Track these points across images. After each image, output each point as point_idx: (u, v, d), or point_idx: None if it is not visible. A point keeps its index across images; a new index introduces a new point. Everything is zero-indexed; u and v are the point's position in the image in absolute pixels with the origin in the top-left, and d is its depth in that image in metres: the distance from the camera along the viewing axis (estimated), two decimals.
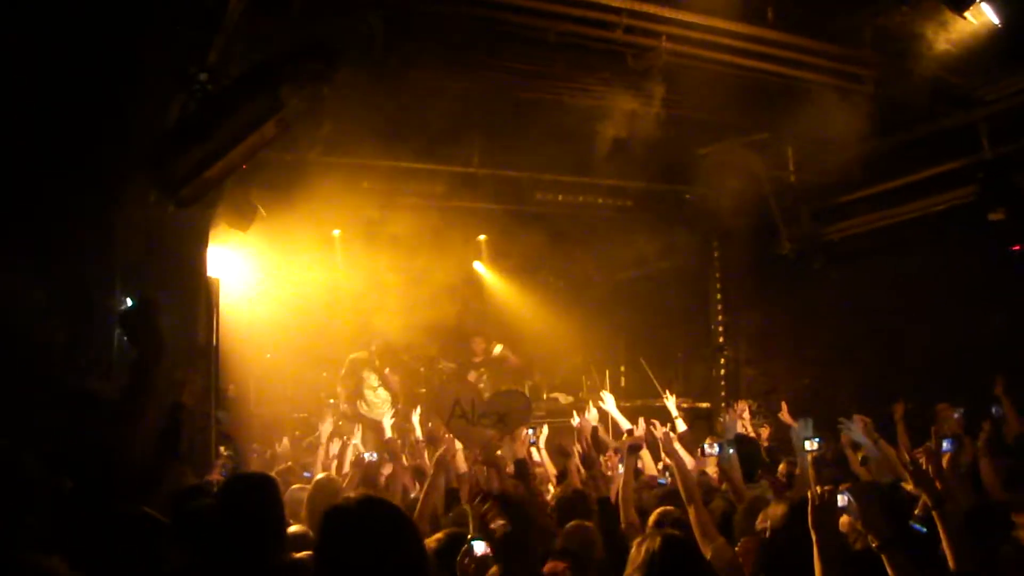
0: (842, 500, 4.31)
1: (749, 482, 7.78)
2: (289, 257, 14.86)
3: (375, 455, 8.64)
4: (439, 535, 5.40)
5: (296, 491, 7.66)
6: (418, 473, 8.34)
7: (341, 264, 15.78)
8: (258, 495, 4.28)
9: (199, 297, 10.73)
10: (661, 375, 14.66)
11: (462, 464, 8.36)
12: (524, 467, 7.40)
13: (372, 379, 14.19)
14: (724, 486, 7.47)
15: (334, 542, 3.01)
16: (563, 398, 15.74)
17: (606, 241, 14.43)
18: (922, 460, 5.10)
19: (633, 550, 3.99)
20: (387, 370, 14.45)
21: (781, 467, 9.32)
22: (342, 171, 12.44)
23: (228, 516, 4.22)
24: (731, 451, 7.23)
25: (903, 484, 6.42)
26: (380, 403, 14.14)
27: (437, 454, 7.34)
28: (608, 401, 10.84)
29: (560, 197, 13.82)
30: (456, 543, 4.98)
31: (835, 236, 12.70)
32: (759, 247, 13.32)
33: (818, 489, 4.28)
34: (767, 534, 5.00)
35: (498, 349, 15.04)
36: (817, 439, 7.26)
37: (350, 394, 14.36)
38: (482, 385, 14.51)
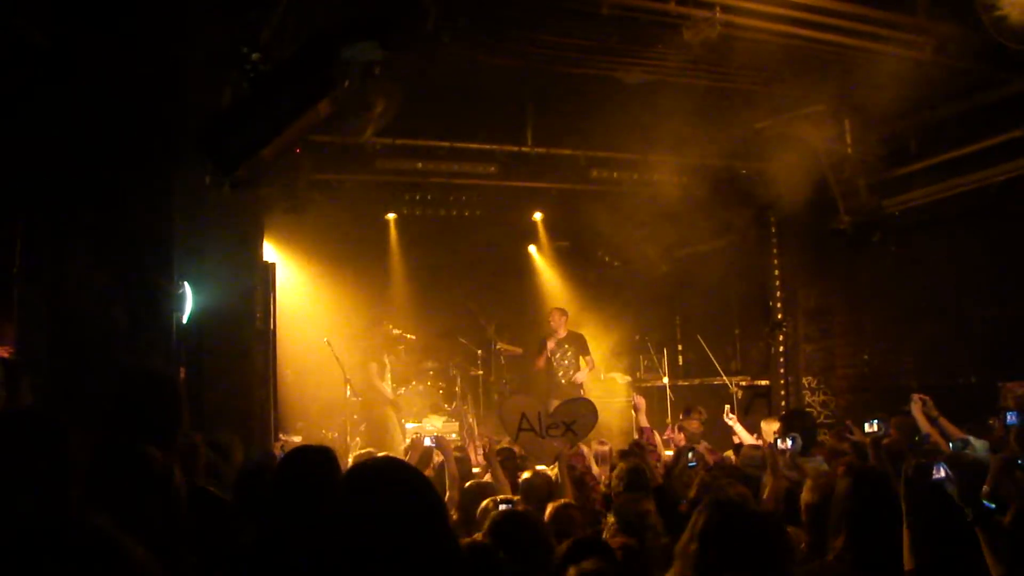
0: (938, 473, 4.21)
1: (804, 455, 7.74)
2: (344, 241, 14.91)
3: (433, 439, 8.62)
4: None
5: None
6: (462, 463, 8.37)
7: (396, 247, 15.83)
8: (317, 465, 4.28)
9: (255, 281, 10.78)
10: (719, 353, 14.55)
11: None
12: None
13: (388, 371, 14.24)
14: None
15: (353, 494, 2.99)
16: (620, 378, 15.67)
17: (662, 219, 14.30)
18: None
19: (693, 518, 3.93)
20: (385, 356, 14.38)
21: (826, 438, 9.24)
22: (396, 153, 12.44)
23: (287, 488, 4.21)
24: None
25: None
26: (389, 390, 14.18)
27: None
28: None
29: (615, 175, 13.71)
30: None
31: (894, 209, 12.46)
32: (817, 222, 13.11)
33: (912, 462, 4.20)
34: (834, 506, 4.92)
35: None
36: (876, 420, 7.15)
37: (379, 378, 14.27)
38: (566, 361, 14.41)
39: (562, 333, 14.51)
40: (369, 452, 7.99)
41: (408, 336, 14.68)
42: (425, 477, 3.18)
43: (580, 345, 14.52)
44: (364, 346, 14.47)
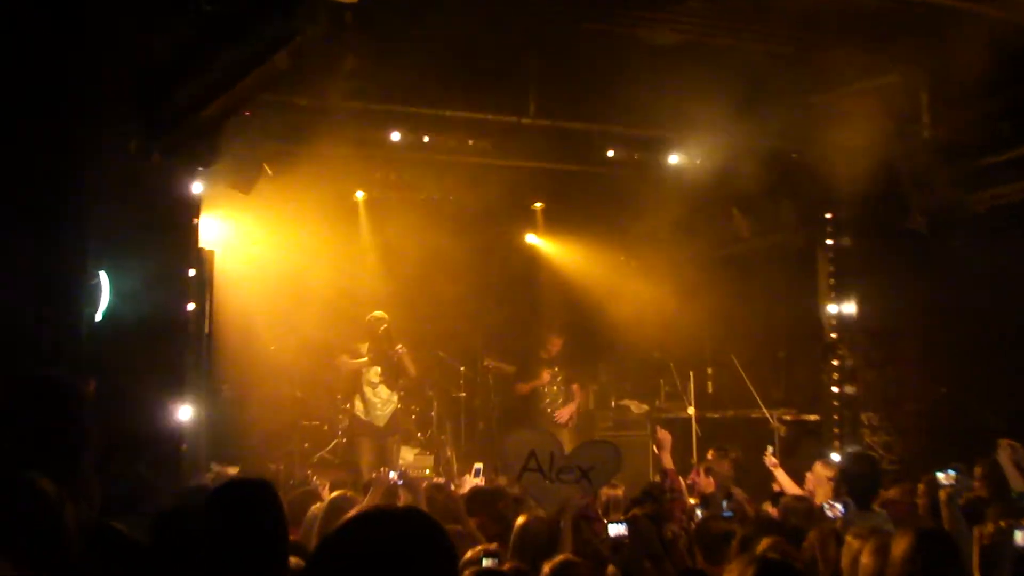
0: (1021, 538, 4.16)
1: (863, 510, 7.68)
2: (301, 226, 14.81)
3: (398, 474, 8.57)
4: None
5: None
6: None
7: (365, 236, 15.74)
8: (252, 503, 4.26)
9: (189, 273, 10.71)
10: (758, 379, 14.49)
11: None
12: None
13: (371, 373, 13.88)
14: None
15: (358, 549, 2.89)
16: (635, 407, 15.65)
17: (692, 211, 14.26)
18: None
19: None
20: (400, 347, 13.88)
21: (893, 492, 9.21)
22: (368, 120, 12.38)
23: (216, 529, 4.19)
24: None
25: None
26: (380, 404, 13.88)
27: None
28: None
29: (636, 155, 13.68)
30: None
31: (979, 207, 12.42)
32: (884, 220, 13.06)
33: (989, 526, 4.15)
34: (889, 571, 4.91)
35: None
36: (952, 470, 7.11)
37: (347, 391, 14.16)
38: (555, 388, 14.36)
39: (553, 356, 14.71)
40: (343, 495, 7.95)
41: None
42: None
43: (571, 373, 14.71)
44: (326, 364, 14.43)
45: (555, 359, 14.62)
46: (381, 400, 13.77)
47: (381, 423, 13.70)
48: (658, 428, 10.07)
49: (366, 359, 13.83)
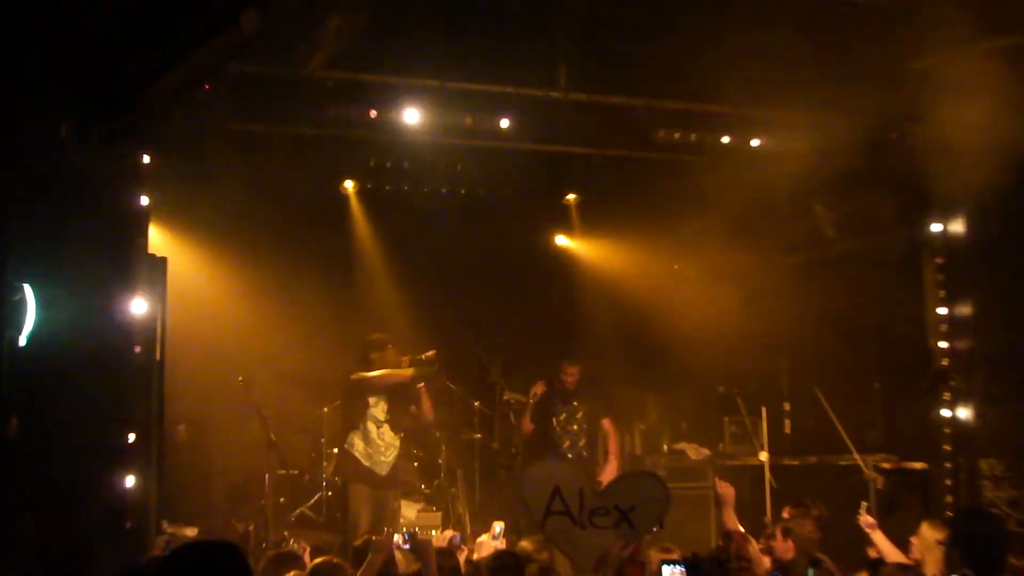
0: None
1: None
2: (276, 226, 14.83)
3: (405, 537, 8.57)
4: None
5: None
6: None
7: (355, 237, 15.76)
8: (216, 570, 4.30)
9: (135, 285, 10.74)
10: (849, 418, 14.43)
11: None
12: None
13: (378, 408, 13.64)
14: None
15: None
16: (693, 452, 15.61)
17: (762, 206, 14.24)
18: None
19: None
20: (422, 385, 13.71)
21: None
22: (358, 94, 12.40)
23: None
24: None
25: None
26: (384, 446, 13.70)
27: None
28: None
29: (692, 137, 13.67)
30: None
31: None
32: (1008, 218, 13.03)
33: None
34: None
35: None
36: None
37: (348, 418, 13.92)
38: (575, 427, 14.33)
39: (570, 386, 14.58)
40: (328, 561, 7.98)
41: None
42: None
43: (597, 406, 14.66)
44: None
45: (573, 392, 14.50)
46: (385, 443, 13.60)
47: (383, 471, 13.45)
48: (718, 480, 10.00)
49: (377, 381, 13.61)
